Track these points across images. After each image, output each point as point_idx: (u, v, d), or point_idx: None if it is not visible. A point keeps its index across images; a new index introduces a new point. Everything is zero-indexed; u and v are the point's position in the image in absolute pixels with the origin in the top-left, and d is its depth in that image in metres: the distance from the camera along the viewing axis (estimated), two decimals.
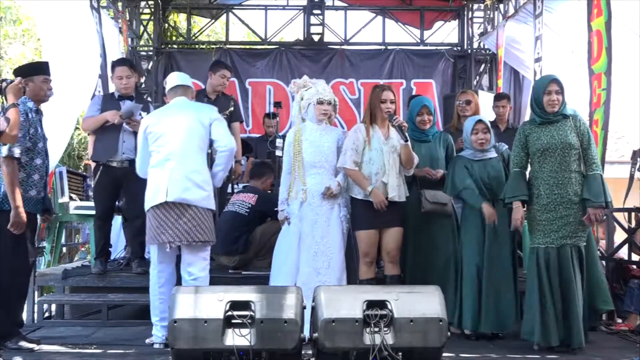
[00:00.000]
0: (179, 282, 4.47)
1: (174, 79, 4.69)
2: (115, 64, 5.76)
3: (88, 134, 5.96)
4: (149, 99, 7.12)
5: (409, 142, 4.64)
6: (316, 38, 10.53)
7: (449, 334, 3.64)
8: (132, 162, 5.01)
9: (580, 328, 4.35)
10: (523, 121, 7.29)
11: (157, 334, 4.43)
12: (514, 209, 4.47)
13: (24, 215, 4.18)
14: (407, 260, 4.98)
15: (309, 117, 4.85)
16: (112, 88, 7.52)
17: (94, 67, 7.33)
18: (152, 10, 10.48)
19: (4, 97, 4.14)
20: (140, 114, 5.26)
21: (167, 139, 4.41)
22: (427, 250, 4.98)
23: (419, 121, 5.08)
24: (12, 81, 4.13)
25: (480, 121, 4.93)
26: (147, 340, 4.51)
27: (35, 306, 5.34)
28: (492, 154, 4.93)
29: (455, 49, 10.74)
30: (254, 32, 11.17)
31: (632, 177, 5.64)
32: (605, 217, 5.22)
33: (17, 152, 4.16)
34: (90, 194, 6.81)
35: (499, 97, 6.72)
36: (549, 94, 4.45)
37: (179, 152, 4.37)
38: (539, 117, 4.51)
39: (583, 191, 4.36)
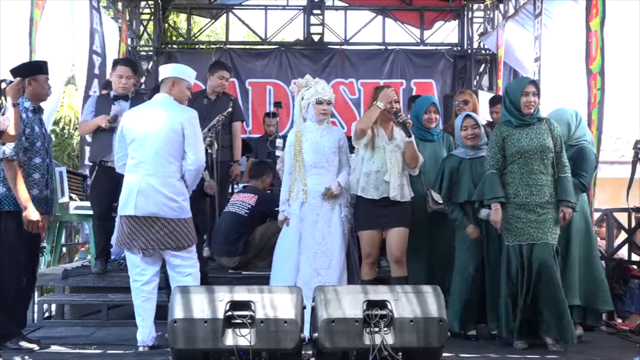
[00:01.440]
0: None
1: (161, 71, 4.53)
2: (118, 62, 5.75)
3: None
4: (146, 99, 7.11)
5: (412, 139, 4.63)
6: (316, 38, 10.53)
7: (448, 334, 3.64)
8: None
9: (570, 323, 4.34)
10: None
11: (138, 337, 4.35)
12: (492, 211, 4.48)
13: (34, 214, 4.18)
14: (409, 259, 4.96)
15: (310, 117, 4.85)
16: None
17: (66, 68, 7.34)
18: (152, 10, 10.48)
19: (3, 97, 4.14)
20: None
21: (140, 144, 4.28)
22: (429, 249, 4.97)
23: (426, 119, 5.06)
24: (11, 81, 4.13)
25: (468, 116, 4.89)
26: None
27: (35, 306, 5.34)
28: (485, 152, 4.85)
29: (455, 49, 10.74)
30: (254, 32, 11.17)
31: (634, 164, 5.48)
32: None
33: (7, 152, 4.14)
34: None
35: (493, 102, 6.33)
36: (526, 95, 4.48)
37: (151, 160, 4.24)
38: (515, 118, 4.52)
39: (558, 192, 4.43)
